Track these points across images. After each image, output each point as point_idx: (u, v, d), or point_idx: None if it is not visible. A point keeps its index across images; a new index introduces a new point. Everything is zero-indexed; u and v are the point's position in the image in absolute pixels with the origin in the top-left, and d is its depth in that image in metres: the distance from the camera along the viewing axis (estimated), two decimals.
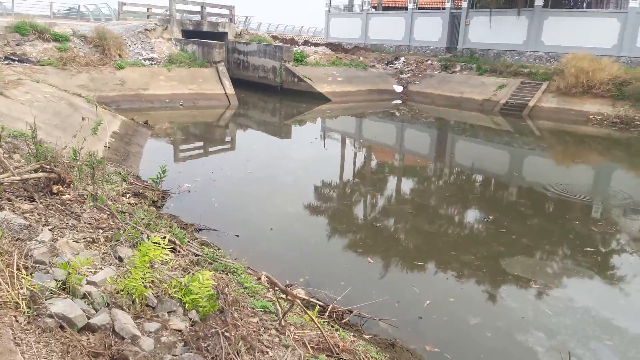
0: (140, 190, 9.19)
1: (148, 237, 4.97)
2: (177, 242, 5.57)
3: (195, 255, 5.51)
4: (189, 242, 5.98)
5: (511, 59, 27.42)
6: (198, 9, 27.63)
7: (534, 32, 26.57)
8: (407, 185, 12.16)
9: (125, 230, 5.19)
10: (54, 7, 34.16)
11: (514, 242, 8.12)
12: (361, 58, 30.99)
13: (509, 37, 27.56)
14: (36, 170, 5.06)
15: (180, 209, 8.90)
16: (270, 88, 25.98)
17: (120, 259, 4.48)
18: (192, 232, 7.54)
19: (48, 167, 5.11)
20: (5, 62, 18.88)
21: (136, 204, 8.00)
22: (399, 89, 27.64)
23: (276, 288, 3.78)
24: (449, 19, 30.30)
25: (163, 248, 3.73)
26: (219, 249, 6.19)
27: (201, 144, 15.91)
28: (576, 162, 15.30)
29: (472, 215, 9.77)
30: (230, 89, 22.16)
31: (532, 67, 25.57)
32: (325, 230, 8.74)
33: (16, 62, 19.42)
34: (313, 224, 8.97)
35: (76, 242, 4.50)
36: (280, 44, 28.54)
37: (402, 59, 31.06)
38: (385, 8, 37.72)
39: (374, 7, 37.34)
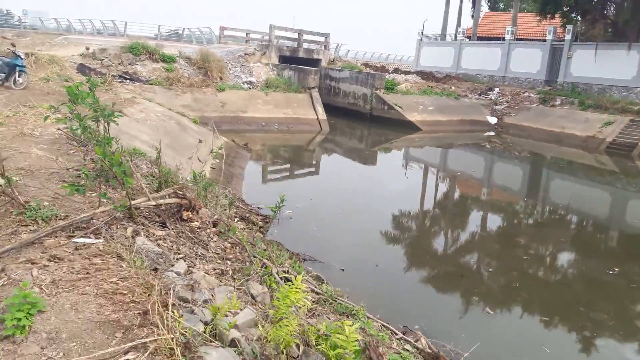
0: (247, 215, 9.32)
1: (277, 273, 4.86)
2: (289, 270, 5.47)
3: (317, 294, 5.35)
4: (306, 277, 5.85)
5: (618, 95, 25.59)
6: (295, 35, 28.45)
7: None
8: (518, 228, 11.45)
9: (252, 262, 5.16)
10: (159, 29, 36.69)
11: None
12: (453, 87, 30.33)
13: (616, 71, 25.79)
14: (169, 196, 5.18)
15: (284, 235, 8.90)
16: (359, 115, 26.01)
17: (253, 297, 4.42)
18: (299, 262, 7.46)
19: (181, 193, 5.22)
20: (119, 80, 20.35)
21: (244, 229, 8.09)
22: (492, 120, 26.65)
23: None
24: (549, 51, 28.95)
25: (303, 291, 3.61)
26: (336, 288, 6.02)
27: (299, 169, 16.05)
28: None
29: (593, 266, 8.94)
30: (322, 115, 22.42)
31: None
32: (433, 270, 8.36)
33: (128, 81, 20.88)
34: (418, 262, 8.63)
35: (207, 273, 4.51)
36: (371, 71, 28.58)
37: (497, 89, 30.03)
38: (480, 38, 36.86)
39: (468, 37, 36.61)
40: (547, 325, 6.42)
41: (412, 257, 8.87)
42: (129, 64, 22.08)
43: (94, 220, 4.39)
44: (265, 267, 5.16)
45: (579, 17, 27.07)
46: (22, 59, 14.51)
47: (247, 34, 35.04)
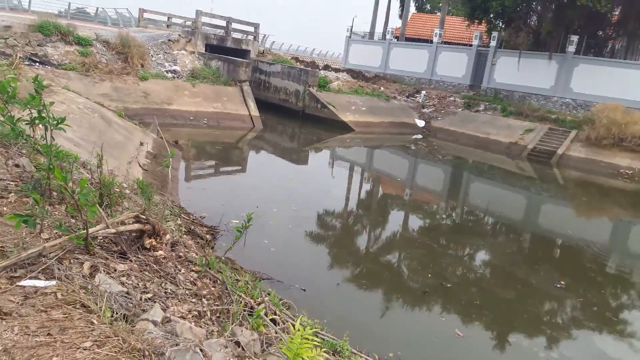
0: (191, 226, 8.28)
1: (266, 314, 4.02)
2: (277, 311, 4.70)
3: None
4: (283, 310, 5.08)
5: (537, 103, 26.98)
6: (224, 23, 27.00)
7: (563, 77, 26.21)
8: (482, 244, 11.30)
9: (230, 297, 4.30)
10: (69, 6, 33.23)
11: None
12: (382, 88, 30.46)
13: (536, 80, 27.17)
14: (130, 221, 4.15)
15: (234, 251, 7.96)
16: (290, 112, 25.23)
17: (242, 347, 3.63)
18: (257, 282, 6.63)
19: (144, 217, 4.20)
20: (27, 63, 17.96)
21: (191, 244, 7.08)
22: (421, 123, 27.04)
23: None
24: (475, 56, 29.93)
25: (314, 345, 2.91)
26: (315, 320, 5.28)
27: (237, 171, 14.98)
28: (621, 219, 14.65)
29: (540, 280, 8.89)
30: (254, 111, 21.38)
31: (560, 114, 25.14)
32: (398, 287, 7.86)
33: (37, 64, 18.52)
34: (379, 278, 8.09)
35: (183, 317, 3.65)
36: (303, 67, 27.87)
37: (424, 92, 30.58)
38: (408, 39, 37.44)
39: (397, 37, 37.03)
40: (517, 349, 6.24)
41: (371, 272, 8.35)
42: (38, 45, 19.60)
43: (43, 257, 3.30)
44: (245, 304, 4.33)
45: (503, 24, 28.14)
46: None
47: (168, 18, 32.89)
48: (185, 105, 19.71)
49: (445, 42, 33.38)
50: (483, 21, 28.33)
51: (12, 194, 4.84)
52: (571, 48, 25.91)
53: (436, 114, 27.91)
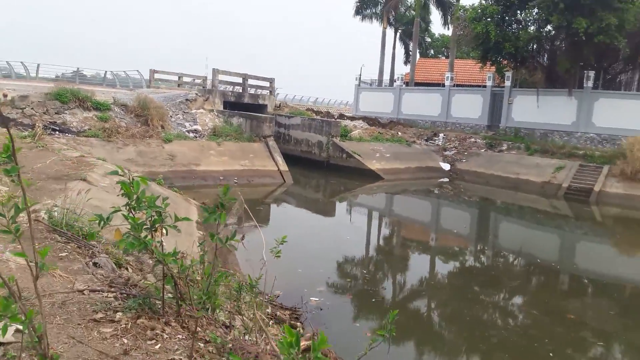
0: (275, 312, 7.28)
1: None
2: None
3: None
4: None
5: (559, 140, 26.44)
6: (240, 80, 26.72)
7: (584, 112, 25.79)
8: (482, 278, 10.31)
9: None
10: (78, 71, 33.08)
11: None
12: (400, 133, 29.95)
13: (556, 117, 26.74)
14: None
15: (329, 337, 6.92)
16: (314, 163, 24.54)
17: None
18: None
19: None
20: (48, 132, 17.31)
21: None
22: (446, 166, 26.36)
23: None
24: (490, 96, 29.65)
25: None
26: None
27: (294, 231, 13.79)
28: None
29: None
30: (283, 166, 20.64)
31: (587, 149, 24.53)
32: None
33: (57, 132, 17.88)
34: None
35: None
36: (325, 118, 27.44)
37: (442, 135, 30.09)
38: (417, 84, 37.37)
39: (406, 83, 36.99)
40: None
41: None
42: (56, 113, 19.00)
43: None
44: None
45: (517, 64, 27.98)
46: None
47: (179, 77, 32.82)
48: (213, 165, 18.96)
49: (458, 85, 33.23)
50: (496, 62, 28.14)
51: (119, 313, 3.88)
52: (589, 83, 25.63)
53: (459, 156, 27.28)
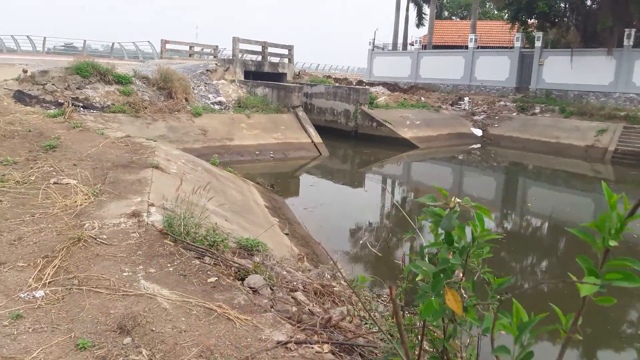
0: None
1: None
2: None
3: None
4: None
5: (596, 101, 25.38)
6: (259, 48, 25.33)
7: (623, 72, 24.62)
8: None
9: None
10: (85, 44, 31.52)
11: None
12: (423, 98, 28.77)
13: (593, 77, 25.58)
14: None
15: None
16: (340, 133, 23.48)
17: None
18: None
19: None
20: (71, 108, 16.17)
21: None
22: (478, 132, 25.37)
23: None
24: (518, 58, 28.34)
25: None
26: None
27: (353, 210, 12.76)
28: None
29: None
30: (317, 137, 19.61)
31: (629, 110, 23.49)
32: None
33: (81, 109, 16.74)
34: None
35: None
36: (347, 85, 26.20)
37: (467, 99, 28.95)
38: (435, 47, 35.91)
39: (424, 46, 35.53)
40: None
41: None
42: (77, 88, 17.79)
43: None
44: None
45: (550, 24, 26.61)
46: None
47: (190, 47, 31.32)
48: (246, 139, 17.93)
49: (482, 47, 31.86)
50: (525, 22, 26.75)
51: None
52: (630, 42, 24.37)
53: (490, 121, 26.25)
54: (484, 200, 15.69)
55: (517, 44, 28.49)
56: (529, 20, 26.65)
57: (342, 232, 10.15)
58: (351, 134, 23.31)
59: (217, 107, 20.56)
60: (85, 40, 30.88)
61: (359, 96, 23.05)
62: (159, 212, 5.32)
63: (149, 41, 31.86)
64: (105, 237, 4.62)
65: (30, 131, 11.22)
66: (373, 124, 22.72)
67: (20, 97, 15.83)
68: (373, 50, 37.39)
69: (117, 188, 6.40)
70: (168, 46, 29.74)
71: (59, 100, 16.51)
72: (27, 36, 29.74)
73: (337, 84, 26.57)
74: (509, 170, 20.47)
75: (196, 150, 16.16)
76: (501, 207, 14.93)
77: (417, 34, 40.17)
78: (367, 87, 26.33)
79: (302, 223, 9.31)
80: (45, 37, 30.27)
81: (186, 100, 20.00)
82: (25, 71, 16.70)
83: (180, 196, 6.00)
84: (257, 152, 17.49)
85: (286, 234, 8.27)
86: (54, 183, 6.80)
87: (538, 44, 27.29)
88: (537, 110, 25.90)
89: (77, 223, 5.09)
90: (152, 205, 5.58)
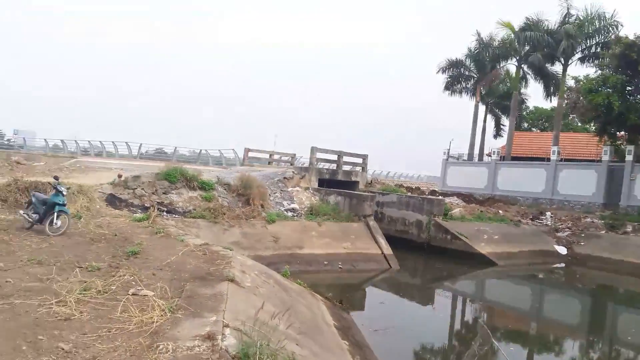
0: None
1: None
2: None
3: None
4: None
5: None
6: (335, 157, 26.20)
7: None
8: None
9: None
10: (175, 150, 34.36)
11: None
12: (500, 211, 27.83)
13: None
14: None
15: None
16: (411, 244, 22.86)
17: None
18: None
19: None
20: (156, 213, 17.10)
21: None
22: (562, 250, 23.81)
23: None
24: (606, 172, 27.15)
25: None
26: None
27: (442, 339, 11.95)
28: None
29: None
30: (387, 249, 19.23)
31: None
32: None
33: (165, 213, 17.63)
34: None
35: None
36: (420, 195, 26.09)
37: (548, 213, 27.65)
38: (514, 158, 35.45)
39: (502, 157, 35.21)
40: None
41: None
42: (164, 193, 18.91)
43: None
44: None
45: None
46: (63, 195, 11.30)
47: (270, 155, 33.02)
48: (316, 248, 17.89)
49: (566, 160, 31.01)
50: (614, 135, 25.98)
51: None
52: None
53: (575, 238, 24.65)
54: (566, 325, 14.24)
55: (605, 158, 27.44)
56: (618, 133, 25.85)
57: None
58: (423, 245, 22.66)
59: (290, 213, 20.97)
60: (176, 147, 33.61)
61: (433, 207, 22.73)
62: (234, 335, 5.18)
63: (233, 149, 34.12)
64: None
65: (115, 235, 11.86)
66: (447, 236, 22.06)
67: (112, 200, 17.00)
68: (447, 160, 37.55)
69: (193, 303, 6.39)
70: (250, 154, 31.58)
71: (146, 205, 17.51)
72: (126, 142, 32.94)
73: (409, 194, 26.50)
74: (597, 293, 18.79)
75: (267, 258, 16.26)
76: (587, 335, 13.48)
77: (494, 144, 40.13)
78: (441, 197, 26.01)
79: (374, 349, 8.76)
80: (141, 144, 33.25)
81: (262, 206, 20.61)
82: (120, 176, 18.13)
83: (255, 315, 5.86)
84: (325, 262, 17.31)
85: None
86: (133, 294, 6.93)
87: (629, 157, 26.09)
88: (630, 228, 24.10)
89: (151, 343, 5.05)
90: (227, 326, 5.47)
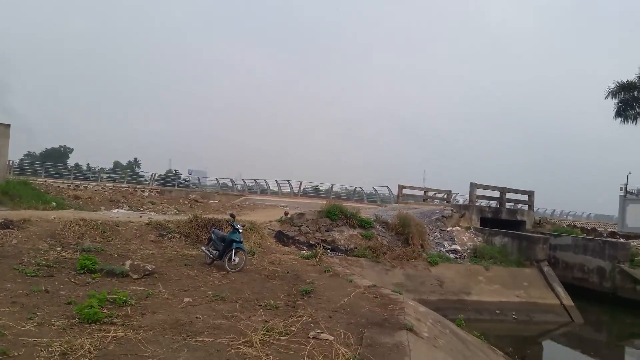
0: None
1: None
2: None
3: None
4: None
5: None
6: (497, 194, 24.74)
7: None
8: None
9: None
10: (332, 188, 35.74)
11: None
12: None
13: None
14: None
15: None
16: (592, 294, 20.21)
17: None
18: None
19: None
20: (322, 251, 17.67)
21: None
22: None
23: None
24: None
25: None
26: None
27: None
28: None
29: None
30: (566, 299, 17.29)
31: None
32: None
33: (329, 251, 18.10)
34: None
35: None
36: (600, 238, 23.23)
37: None
38: None
39: None
40: None
41: None
42: (326, 231, 19.54)
43: None
44: None
45: None
46: (240, 233, 12.20)
47: (424, 192, 32.44)
48: (485, 295, 16.76)
49: None
50: None
51: None
52: None
53: None
54: None
55: None
56: None
57: None
58: (607, 296, 19.91)
59: (452, 255, 20.10)
60: (332, 185, 34.86)
61: (617, 251, 20.00)
62: None
63: (387, 186, 34.20)
64: None
65: (287, 272, 12.41)
66: (637, 287, 19.11)
67: (280, 237, 18.01)
68: (625, 196, 33.06)
69: (375, 353, 6.27)
70: (404, 191, 31.35)
71: (311, 242, 18.23)
72: (288, 181, 35.11)
73: (585, 235, 23.72)
74: None
75: (433, 303, 15.61)
76: None
77: None
78: (627, 241, 22.81)
79: None
80: (301, 182, 35.15)
81: (422, 246, 20.10)
82: (286, 213, 19.20)
83: None
84: (497, 311, 16.06)
85: None
86: (313, 338, 7.03)
87: None
88: None
89: None
90: None
